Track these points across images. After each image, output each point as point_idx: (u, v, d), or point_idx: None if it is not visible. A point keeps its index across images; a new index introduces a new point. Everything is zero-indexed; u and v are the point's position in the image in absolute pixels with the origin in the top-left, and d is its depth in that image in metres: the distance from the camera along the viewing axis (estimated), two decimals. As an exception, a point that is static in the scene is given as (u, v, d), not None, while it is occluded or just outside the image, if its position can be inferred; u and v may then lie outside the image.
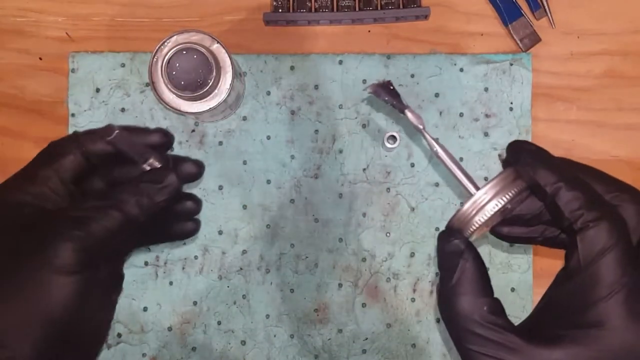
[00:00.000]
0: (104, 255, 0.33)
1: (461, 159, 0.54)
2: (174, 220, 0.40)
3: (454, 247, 0.33)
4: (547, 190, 0.31)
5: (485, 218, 0.33)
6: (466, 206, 0.33)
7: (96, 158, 0.35)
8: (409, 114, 0.38)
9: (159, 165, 0.35)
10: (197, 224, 0.40)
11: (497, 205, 0.33)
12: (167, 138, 0.37)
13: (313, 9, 0.55)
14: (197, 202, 0.40)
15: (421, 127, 0.38)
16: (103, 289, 0.34)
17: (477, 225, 0.33)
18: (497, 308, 0.32)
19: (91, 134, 0.35)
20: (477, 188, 0.34)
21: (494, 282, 0.33)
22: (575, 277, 0.30)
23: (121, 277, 0.37)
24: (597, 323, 0.29)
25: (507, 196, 0.33)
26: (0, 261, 0.31)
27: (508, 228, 0.36)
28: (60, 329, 0.31)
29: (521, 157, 0.33)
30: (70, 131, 0.54)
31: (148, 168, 0.35)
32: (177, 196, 0.36)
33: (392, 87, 0.39)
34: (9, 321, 0.30)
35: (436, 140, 0.37)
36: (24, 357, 0.30)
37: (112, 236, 0.32)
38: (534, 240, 0.36)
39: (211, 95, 0.47)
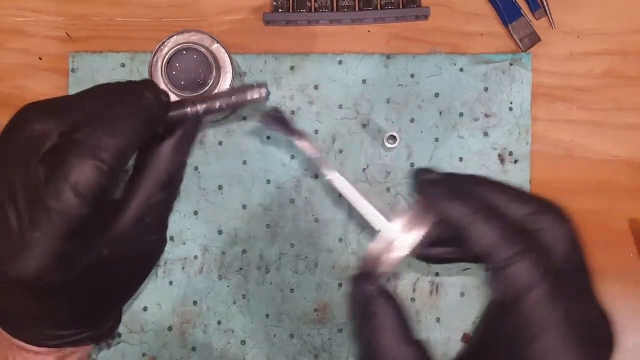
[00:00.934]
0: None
1: (461, 159, 0.54)
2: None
3: (367, 296, 0.30)
4: (459, 225, 0.29)
5: (398, 257, 0.30)
6: (378, 244, 0.31)
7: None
8: (298, 145, 0.33)
9: None
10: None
11: (411, 240, 0.30)
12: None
13: (313, 9, 0.55)
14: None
15: (315, 157, 0.33)
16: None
17: (389, 266, 0.31)
18: (421, 354, 0.29)
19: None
20: (388, 221, 0.31)
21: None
22: (504, 316, 0.28)
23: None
24: None
25: (420, 232, 0.30)
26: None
27: (429, 250, 0.33)
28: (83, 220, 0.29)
29: (425, 190, 0.31)
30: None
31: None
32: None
33: (280, 115, 0.34)
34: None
35: (332, 171, 0.33)
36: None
37: (100, 186, 0.29)
38: (460, 259, 0.33)
39: (211, 96, 0.47)
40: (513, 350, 0.28)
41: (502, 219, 0.29)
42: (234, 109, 0.35)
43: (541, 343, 0.27)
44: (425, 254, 0.33)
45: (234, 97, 0.34)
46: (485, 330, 0.30)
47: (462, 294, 0.54)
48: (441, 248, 0.33)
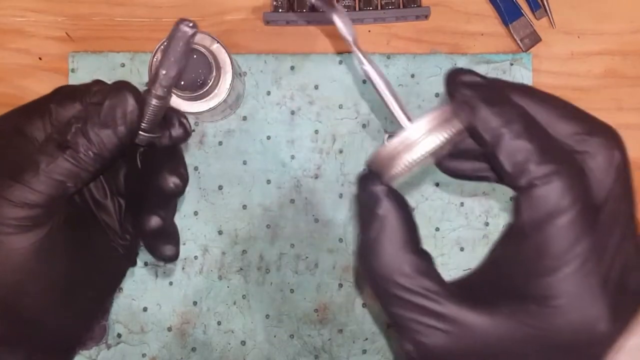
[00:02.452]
0: (59, 206, 0.29)
1: (461, 159, 0.54)
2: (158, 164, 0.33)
3: (373, 195, 0.27)
4: (487, 138, 0.26)
5: (414, 159, 0.27)
6: (395, 142, 0.27)
7: None
8: (336, 20, 0.30)
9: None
10: (183, 177, 0.33)
11: (430, 144, 0.27)
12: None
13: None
14: (182, 178, 0.32)
15: (350, 38, 0.30)
16: (97, 246, 0.32)
17: (402, 167, 0.27)
18: (423, 265, 0.27)
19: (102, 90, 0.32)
20: (410, 121, 0.28)
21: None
22: (520, 241, 0.25)
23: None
24: (539, 299, 0.24)
25: (442, 137, 0.27)
26: None
27: (454, 162, 0.30)
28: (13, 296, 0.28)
29: (457, 92, 0.26)
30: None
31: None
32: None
33: None
34: None
35: (369, 59, 0.29)
36: None
37: (60, 184, 0.28)
38: (486, 178, 0.29)
39: (211, 95, 0.47)
40: (527, 280, 0.25)
41: (541, 133, 0.25)
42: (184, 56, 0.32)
43: (558, 276, 0.24)
44: (448, 165, 0.30)
45: (171, 52, 0.31)
46: (501, 254, 0.27)
47: (462, 294, 0.54)
48: (468, 162, 0.30)
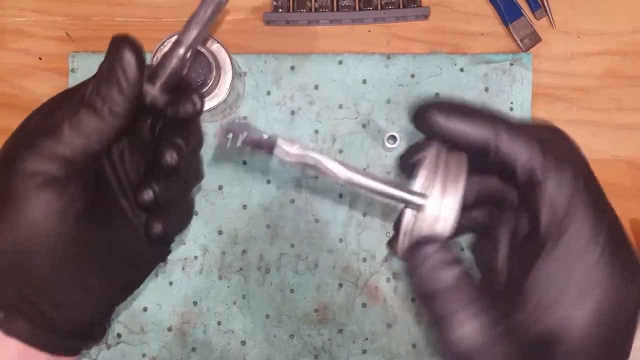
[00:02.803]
0: (85, 167, 0.29)
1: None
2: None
3: (434, 262, 0.27)
4: (484, 142, 0.26)
5: (450, 226, 0.27)
6: (424, 226, 0.27)
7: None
8: (279, 154, 0.28)
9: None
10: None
11: (455, 204, 0.26)
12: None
13: (313, 9, 0.55)
14: (179, 153, 0.31)
15: (314, 157, 0.28)
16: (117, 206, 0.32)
17: (447, 235, 0.27)
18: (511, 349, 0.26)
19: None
20: (422, 195, 0.27)
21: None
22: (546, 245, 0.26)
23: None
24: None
25: (459, 191, 0.26)
26: None
27: (474, 213, 0.30)
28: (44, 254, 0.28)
29: (429, 117, 0.27)
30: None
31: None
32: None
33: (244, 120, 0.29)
34: None
35: (344, 164, 0.28)
36: None
37: (86, 140, 0.29)
38: (506, 218, 0.30)
39: (211, 95, 0.47)
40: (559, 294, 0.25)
41: (526, 130, 0.26)
42: (208, 23, 0.33)
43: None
44: (468, 220, 0.30)
45: (201, 14, 0.32)
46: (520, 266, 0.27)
47: (462, 294, 0.54)
48: (480, 210, 0.30)
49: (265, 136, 0.27)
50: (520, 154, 0.26)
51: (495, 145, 0.26)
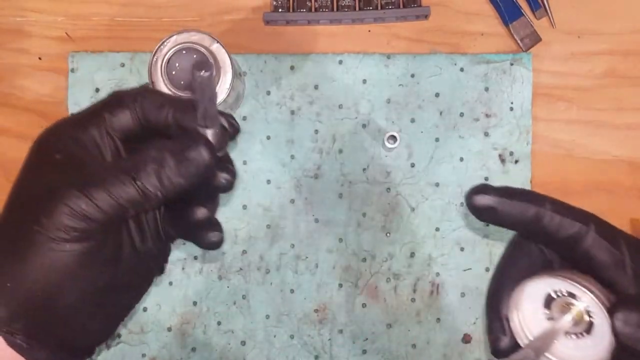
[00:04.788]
0: (113, 226, 0.31)
1: (461, 159, 0.54)
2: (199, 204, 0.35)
3: None
4: (537, 220, 0.30)
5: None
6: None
7: (151, 125, 0.33)
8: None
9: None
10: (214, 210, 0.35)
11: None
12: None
13: (313, 9, 0.55)
14: (231, 174, 0.34)
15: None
16: (132, 266, 0.33)
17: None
18: None
19: (154, 96, 0.33)
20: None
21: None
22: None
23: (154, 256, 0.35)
24: None
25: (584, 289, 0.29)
26: (16, 201, 0.30)
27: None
28: (47, 300, 0.30)
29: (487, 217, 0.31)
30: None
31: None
32: (209, 174, 0.32)
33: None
34: None
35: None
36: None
37: (122, 209, 0.30)
38: None
39: (211, 95, 0.47)
40: None
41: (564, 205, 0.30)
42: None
43: None
44: None
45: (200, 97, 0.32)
46: None
47: (463, 294, 0.54)
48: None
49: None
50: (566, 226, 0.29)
51: (545, 224, 0.30)
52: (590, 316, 0.29)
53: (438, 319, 0.54)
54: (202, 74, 0.30)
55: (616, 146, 0.55)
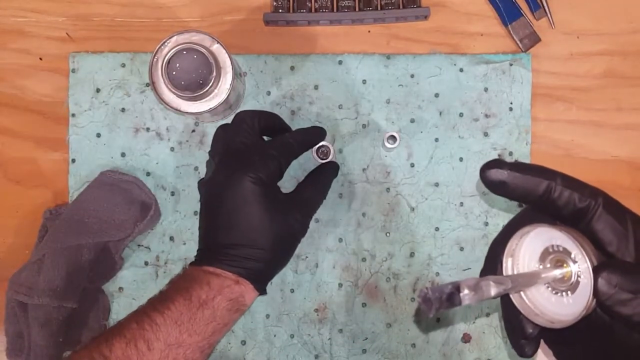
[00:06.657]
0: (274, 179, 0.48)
1: (461, 159, 0.55)
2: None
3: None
4: (546, 193, 0.31)
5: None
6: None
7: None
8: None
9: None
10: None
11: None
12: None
13: (313, 9, 0.55)
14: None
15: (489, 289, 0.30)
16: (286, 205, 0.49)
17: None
18: None
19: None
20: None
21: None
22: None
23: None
24: None
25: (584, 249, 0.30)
26: (221, 172, 0.47)
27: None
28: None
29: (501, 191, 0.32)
30: (71, 132, 0.54)
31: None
32: None
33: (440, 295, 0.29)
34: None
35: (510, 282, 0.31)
36: None
37: (276, 173, 0.48)
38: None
39: (211, 96, 0.47)
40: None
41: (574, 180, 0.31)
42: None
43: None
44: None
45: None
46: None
47: (462, 294, 0.54)
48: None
49: (448, 287, 0.28)
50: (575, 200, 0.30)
51: (555, 197, 0.31)
52: (578, 277, 0.30)
53: (438, 319, 0.54)
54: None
55: (615, 146, 0.55)
